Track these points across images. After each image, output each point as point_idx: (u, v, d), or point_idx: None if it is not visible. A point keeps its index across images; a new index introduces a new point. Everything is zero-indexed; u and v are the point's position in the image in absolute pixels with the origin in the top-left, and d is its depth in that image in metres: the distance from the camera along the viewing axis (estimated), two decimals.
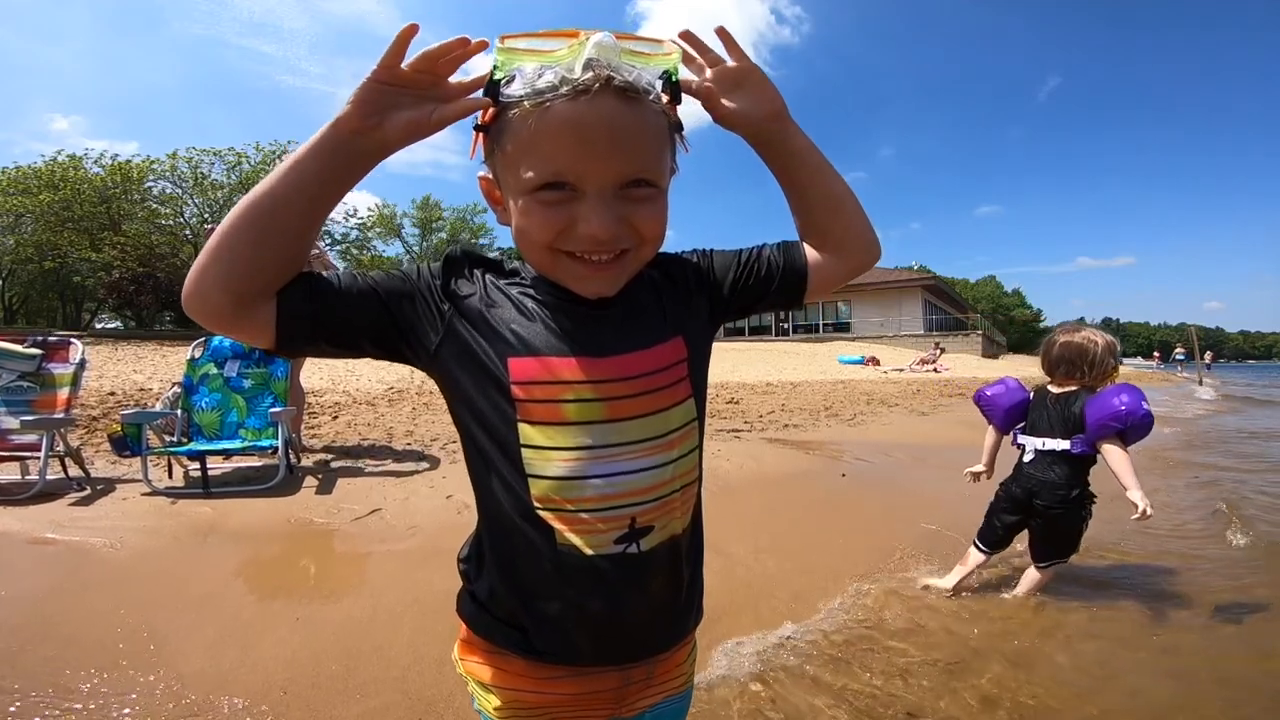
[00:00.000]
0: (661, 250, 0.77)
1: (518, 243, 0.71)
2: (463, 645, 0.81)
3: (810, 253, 0.85)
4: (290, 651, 2.02)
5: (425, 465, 4.16)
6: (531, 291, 0.75)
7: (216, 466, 3.91)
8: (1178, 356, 36.05)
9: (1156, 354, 44.88)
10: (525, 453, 0.70)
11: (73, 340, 3.86)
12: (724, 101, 0.77)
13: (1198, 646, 2.24)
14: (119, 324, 28.06)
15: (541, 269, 0.73)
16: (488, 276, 0.77)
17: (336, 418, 5.82)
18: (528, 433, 0.69)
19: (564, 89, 0.62)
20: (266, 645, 2.06)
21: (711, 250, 0.88)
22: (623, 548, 0.71)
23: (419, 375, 9.86)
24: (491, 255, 0.81)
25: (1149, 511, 2.24)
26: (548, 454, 0.69)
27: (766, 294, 0.84)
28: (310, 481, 3.68)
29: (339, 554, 2.81)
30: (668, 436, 0.73)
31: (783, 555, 2.94)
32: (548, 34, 0.65)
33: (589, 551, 0.70)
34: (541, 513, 0.70)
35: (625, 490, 0.70)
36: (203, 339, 4.06)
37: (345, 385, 7.71)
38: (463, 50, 0.65)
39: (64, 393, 3.68)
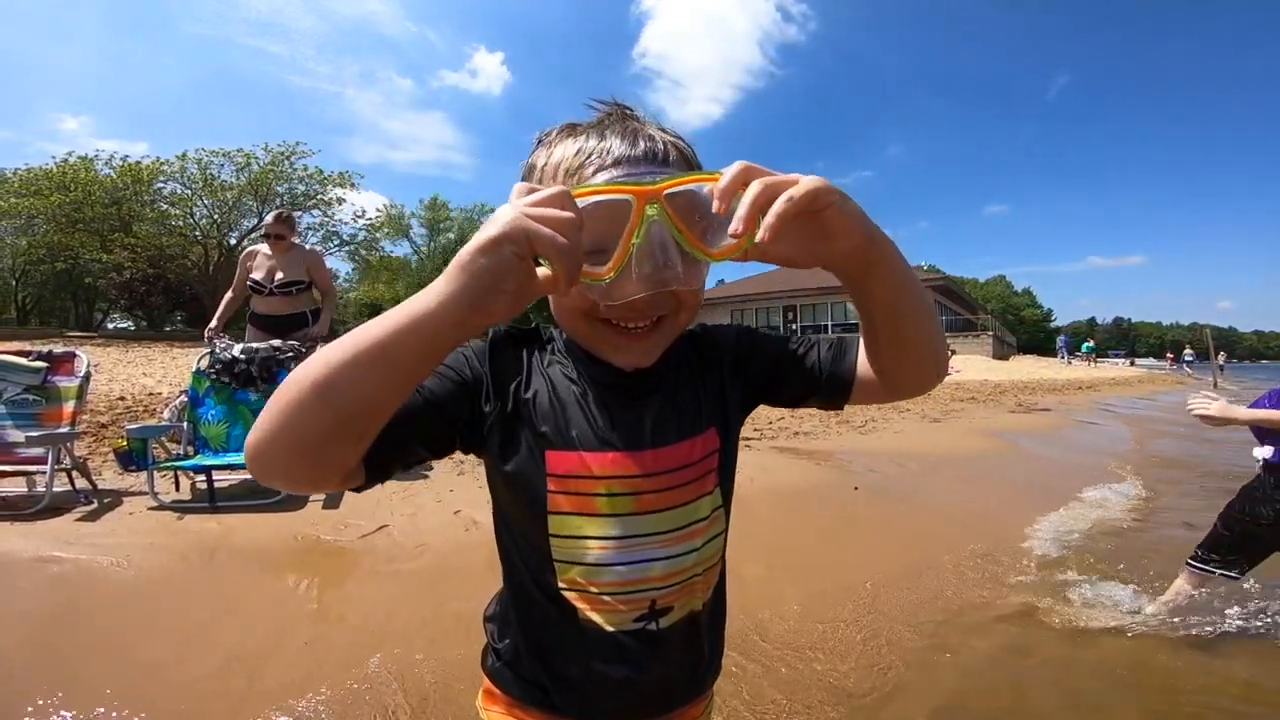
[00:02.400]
0: (700, 321, 0.76)
1: (554, 310, 0.69)
2: (486, 695, 0.83)
3: (863, 366, 0.76)
4: (299, 677, 1.99)
5: (431, 477, 4.12)
6: (570, 371, 0.75)
7: (223, 478, 3.88)
8: (1186, 358, 35.69)
9: (1170, 355, 44.35)
10: (554, 540, 0.71)
11: (78, 353, 3.84)
12: (781, 249, 0.56)
13: None
14: (130, 324, 28.31)
15: (578, 338, 0.72)
16: (530, 356, 0.76)
17: None
18: (557, 523, 0.70)
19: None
20: (275, 671, 2.02)
21: (754, 334, 0.84)
22: (642, 625, 0.72)
23: None
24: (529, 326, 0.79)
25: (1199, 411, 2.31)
26: (574, 543, 0.71)
27: (806, 399, 0.82)
28: (317, 497, 3.64)
29: (347, 573, 2.77)
30: (693, 526, 0.74)
31: (798, 576, 2.89)
32: (600, 190, 0.55)
33: (609, 629, 0.71)
34: (565, 593, 0.72)
35: (647, 576, 0.71)
36: (207, 351, 4.03)
37: None
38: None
39: (69, 406, 3.65)
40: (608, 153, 0.65)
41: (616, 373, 0.72)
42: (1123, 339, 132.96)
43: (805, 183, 0.51)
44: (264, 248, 4.42)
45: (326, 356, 0.52)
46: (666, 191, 0.54)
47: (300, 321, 4.41)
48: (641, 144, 0.65)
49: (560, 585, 0.71)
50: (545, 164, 0.69)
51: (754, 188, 0.51)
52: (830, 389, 0.78)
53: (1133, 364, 44.56)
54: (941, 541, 3.43)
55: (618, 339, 0.68)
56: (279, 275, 4.31)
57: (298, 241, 4.53)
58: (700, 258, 0.56)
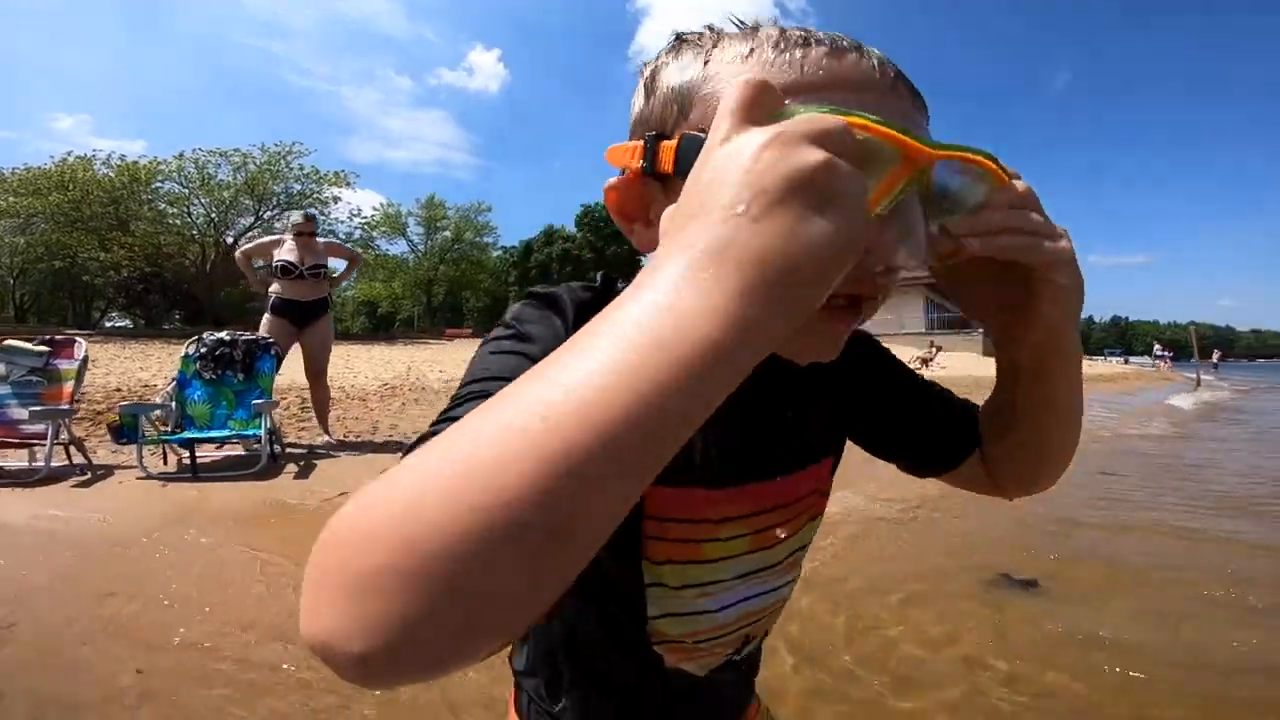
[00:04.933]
0: None
1: None
2: None
3: (974, 457, 0.65)
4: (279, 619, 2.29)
5: (400, 455, 4.42)
6: None
7: (208, 455, 4.21)
8: (1157, 353, 35.87)
9: (1154, 353, 44.87)
10: (649, 590, 0.58)
11: (77, 339, 4.19)
12: (973, 290, 0.51)
13: None
14: (128, 323, 28.61)
15: None
16: None
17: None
18: (653, 572, 0.57)
19: None
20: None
21: (889, 361, 0.69)
22: (727, 659, 0.65)
23: (414, 372, 10.11)
24: (593, 284, 0.54)
25: None
26: (673, 593, 0.58)
27: (899, 456, 0.69)
28: (290, 469, 3.98)
29: (308, 532, 3.06)
30: (798, 554, 0.65)
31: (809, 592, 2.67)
32: (876, 129, 0.34)
33: (700, 674, 0.63)
34: (655, 646, 0.61)
35: (749, 612, 0.62)
36: (196, 337, 4.37)
37: (342, 382, 8.00)
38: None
39: (68, 386, 4.00)
40: (840, 52, 0.45)
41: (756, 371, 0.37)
42: (1120, 337, 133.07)
43: (1055, 247, 0.44)
44: (288, 239, 4.95)
45: (549, 459, 0.23)
46: (939, 160, 0.38)
47: (322, 306, 4.97)
48: (875, 53, 0.47)
49: (649, 639, 0.60)
50: (725, 63, 0.46)
51: (1012, 216, 0.43)
52: (929, 459, 0.67)
53: (1126, 362, 44.89)
54: (954, 556, 3.20)
55: (814, 319, 0.35)
56: (308, 260, 4.87)
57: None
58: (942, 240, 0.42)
